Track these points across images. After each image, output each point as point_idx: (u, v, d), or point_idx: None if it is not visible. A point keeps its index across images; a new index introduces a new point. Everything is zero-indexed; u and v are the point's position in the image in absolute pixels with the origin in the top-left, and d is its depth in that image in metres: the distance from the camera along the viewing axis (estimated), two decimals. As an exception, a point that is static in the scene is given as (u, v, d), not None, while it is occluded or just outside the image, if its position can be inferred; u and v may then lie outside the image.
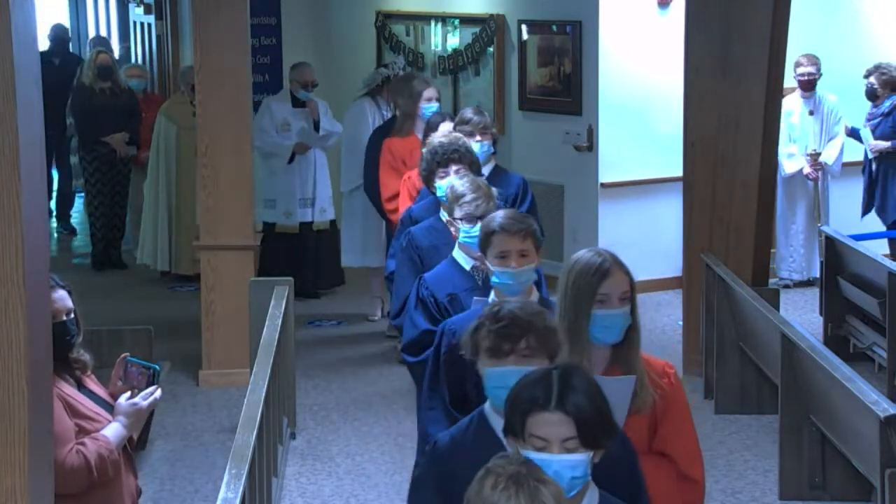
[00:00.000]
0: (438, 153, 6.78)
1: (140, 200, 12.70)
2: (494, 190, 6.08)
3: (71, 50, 15.15)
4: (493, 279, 5.00)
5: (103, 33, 21.95)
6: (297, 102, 11.19)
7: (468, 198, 5.88)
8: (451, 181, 6.23)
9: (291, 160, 11.15)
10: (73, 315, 4.82)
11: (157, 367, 5.01)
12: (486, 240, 5.06)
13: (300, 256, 11.24)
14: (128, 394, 4.89)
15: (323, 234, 11.40)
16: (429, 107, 9.27)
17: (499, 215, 5.12)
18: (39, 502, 3.45)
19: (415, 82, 9.53)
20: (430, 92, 9.38)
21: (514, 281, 4.95)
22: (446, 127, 8.18)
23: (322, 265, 11.42)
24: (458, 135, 7.25)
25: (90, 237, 12.92)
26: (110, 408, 4.89)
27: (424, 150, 7.29)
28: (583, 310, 4.23)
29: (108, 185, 12.57)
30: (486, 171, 7.44)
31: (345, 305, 11.31)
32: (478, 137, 7.66)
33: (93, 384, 4.94)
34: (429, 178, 6.83)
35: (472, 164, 6.73)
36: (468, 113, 7.91)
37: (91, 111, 12.37)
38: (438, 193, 6.68)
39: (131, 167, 12.84)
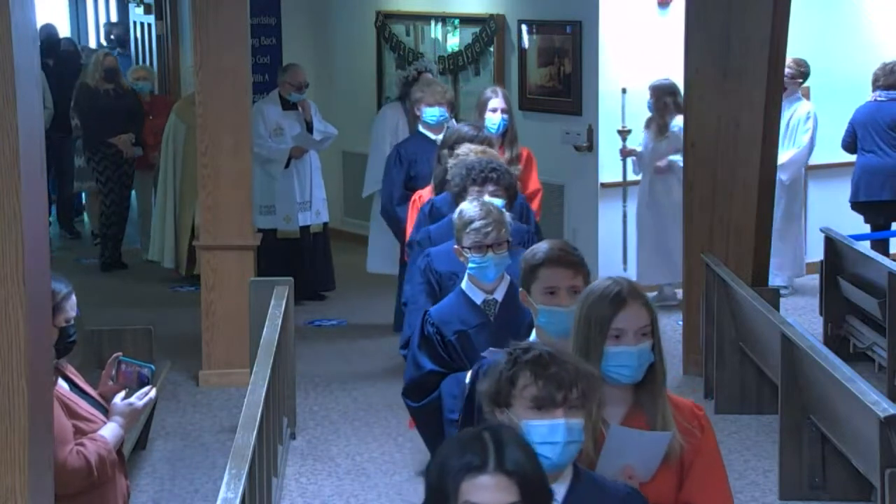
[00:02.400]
0: (475, 170, 6.11)
1: (148, 202, 12.69)
2: (508, 215, 5.61)
3: (62, 49, 15.12)
4: (539, 319, 4.48)
5: (103, 33, 21.97)
6: (287, 105, 11.10)
7: (476, 224, 5.40)
8: (462, 205, 5.68)
9: (287, 164, 11.06)
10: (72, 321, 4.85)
11: (151, 366, 5.01)
12: (531, 273, 4.50)
13: (301, 260, 11.13)
14: (122, 394, 4.89)
15: (317, 237, 11.32)
16: (491, 119, 8.45)
17: (545, 245, 4.60)
18: (39, 502, 3.45)
19: (486, 91, 8.72)
20: (495, 102, 8.50)
21: (567, 321, 4.24)
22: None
23: (318, 268, 11.35)
24: (495, 153, 6.69)
25: (101, 238, 12.88)
26: (102, 407, 4.90)
27: (452, 162, 6.69)
28: (595, 345, 3.80)
29: (116, 186, 12.57)
30: None
31: (345, 305, 11.30)
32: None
33: (84, 384, 4.94)
34: (460, 197, 6.10)
35: (509, 186, 6.12)
36: (466, 131, 7.41)
37: (96, 112, 12.37)
38: None
39: (134, 169, 12.82)
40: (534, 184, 8.67)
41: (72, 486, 4.61)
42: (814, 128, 11.21)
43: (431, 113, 9.21)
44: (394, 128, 10.53)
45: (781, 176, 11.07)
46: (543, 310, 4.45)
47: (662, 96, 10.63)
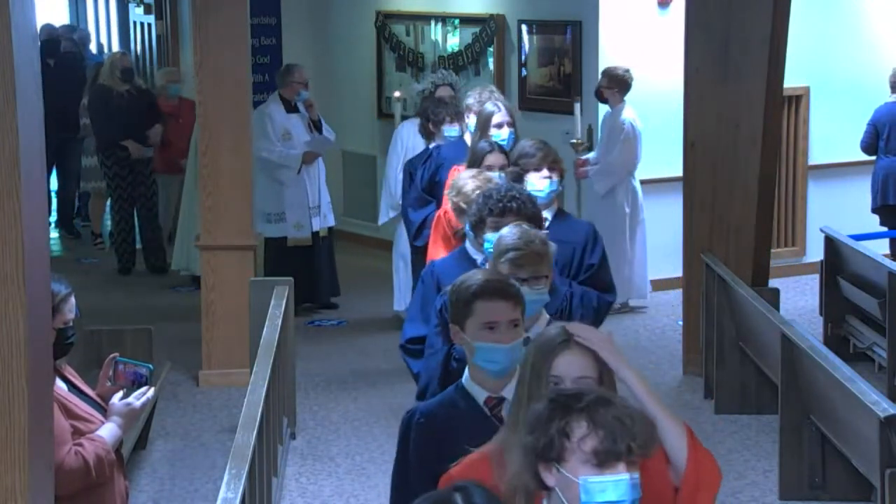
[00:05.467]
0: (492, 199, 5.52)
1: (173, 206, 12.57)
2: (553, 246, 5.06)
3: (63, 50, 15.08)
4: (476, 357, 4.06)
5: (103, 33, 21.97)
6: (290, 108, 10.88)
7: (511, 255, 4.86)
8: (503, 230, 5.14)
9: (299, 170, 10.83)
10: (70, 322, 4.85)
11: (149, 366, 5.01)
12: (465, 306, 4.14)
13: (315, 267, 10.94)
14: (120, 394, 4.89)
15: (324, 240, 11.10)
16: (499, 135, 7.60)
17: (478, 275, 4.26)
18: (39, 501, 3.45)
19: (487, 105, 7.90)
20: (499, 116, 7.72)
21: (507, 359, 4.04)
22: (495, 159, 6.91)
23: (326, 273, 11.15)
24: (492, 177, 6.23)
25: (114, 242, 12.83)
26: (100, 408, 4.90)
27: (456, 187, 6.20)
28: (533, 394, 3.44)
29: (127, 190, 12.49)
30: (547, 214, 6.18)
31: (345, 305, 11.29)
32: (545, 173, 6.34)
33: (82, 384, 4.95)
34: (478, 227, 5.56)
35: (532, 217, 5.49)
36: (529, 147, 6.52)
37: (109, 113, 12.25)
38: (486, 247, 5.48)
39: (151, 172, 12.69)
40: None
41: (70, 486, 4.61)
42: (636, 137, 10.69)
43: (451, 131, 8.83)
44: (410, 149, 10.03)
45: (595, 186, 10.70)
46: (482, 347, 4.04)
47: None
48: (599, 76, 10.83)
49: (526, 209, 5.48)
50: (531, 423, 3.00)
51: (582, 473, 2.90)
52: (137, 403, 4.90)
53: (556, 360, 3.48)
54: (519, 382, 3.54)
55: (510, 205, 5.46)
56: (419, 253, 8.19)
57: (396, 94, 10.87)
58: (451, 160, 8.15)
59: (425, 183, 8.32)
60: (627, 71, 10.71)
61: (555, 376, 3.47)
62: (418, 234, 8.14)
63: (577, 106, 10.51)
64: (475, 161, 7.00)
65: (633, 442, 2.91)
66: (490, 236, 5.41)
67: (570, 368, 3.47)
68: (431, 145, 8.96)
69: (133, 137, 12.28)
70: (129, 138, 12.25)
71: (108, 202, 13.21)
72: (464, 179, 6.20)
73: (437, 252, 6.87)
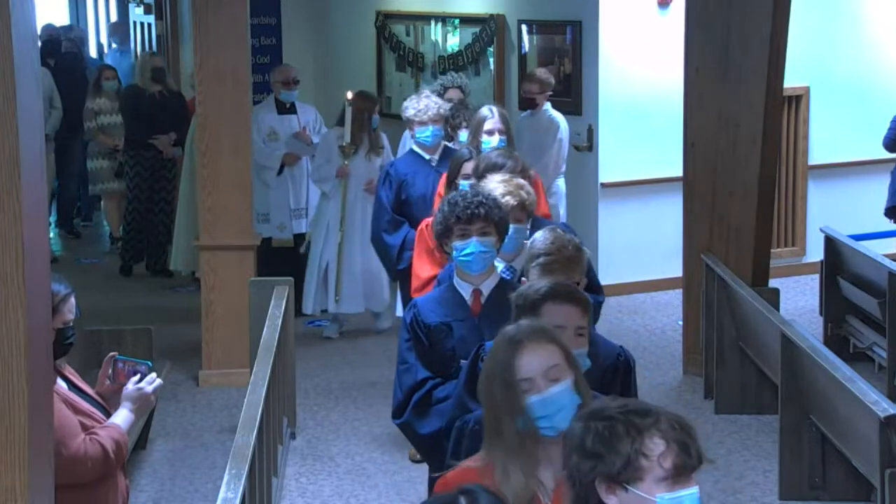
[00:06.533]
0: (459, 205, 5.38)
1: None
2: (586, 252, 5.03)
3: (63, 50, 15.07)
4: None
5: (103, 33, 21.98)
6: (283, 109, 10.90)
7: (542, 260, 4.79)
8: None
9: (280, 171, 10.83)
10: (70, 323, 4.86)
11: (148, 363, 5.04)
12: (531, 309, 4.00)
13: (300, 270, 10.76)
14: (136, 377, 4.93)
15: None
16: (489, 142, 7.48)
17: (544, 280, 4.18)
18: (39, 501, 3.45)
19: (482, 111, 7.75)
20: (490, 123, 7.56)
21: None
22: (473, 167, 6.74)
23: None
24: (493, 183, 6.02)
25: (122, 240, 12.82)
26: (101, 407, 4.92)
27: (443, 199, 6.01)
28: (509, 403, 3.35)
29: (145, 192, 12.45)
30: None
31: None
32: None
33: (82, 384, 4.96)
34: (444, 235, 5.42)
35: (500, 222, 5.40)
36: (496, 157, 6.49)
37: (140, 113, 12.19)
38: (454, 256, 5.39)
39: (174, 173, 12.66)
40: (542, 208, 7.68)
41: (91, 473, 4.65)
42: (566, 140, 10.58)
43: (425, 134, 8.30)
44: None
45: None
46: None
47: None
48: (527, 83, 10.71)
49: (493, 215, 5.36)
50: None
51: (657, 492, 2.82)
52: (149, 388, 4.93)
53: (517, 362, 3.39)
54: (487, 402, 3.41)
55: (478, 211, 5.32)
56: (402, 275, 8.01)
57: (349, 94, 10.45)
58: (409, 175, 8.18)
59: (392, 203, 8.16)
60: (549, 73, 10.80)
61: (525, 380, 3.37)
62: (399, 258, 7.95)
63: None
64: (453, 168, 6.96)
65: (699, 450, 2.86)
66: (457, 244, 5.32)
67: (534, 364, 3.39)
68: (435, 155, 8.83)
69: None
70: (156, 137, 12.20)
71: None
72: (495, 183, 5.97)
73: (422, 266, 6.72)
